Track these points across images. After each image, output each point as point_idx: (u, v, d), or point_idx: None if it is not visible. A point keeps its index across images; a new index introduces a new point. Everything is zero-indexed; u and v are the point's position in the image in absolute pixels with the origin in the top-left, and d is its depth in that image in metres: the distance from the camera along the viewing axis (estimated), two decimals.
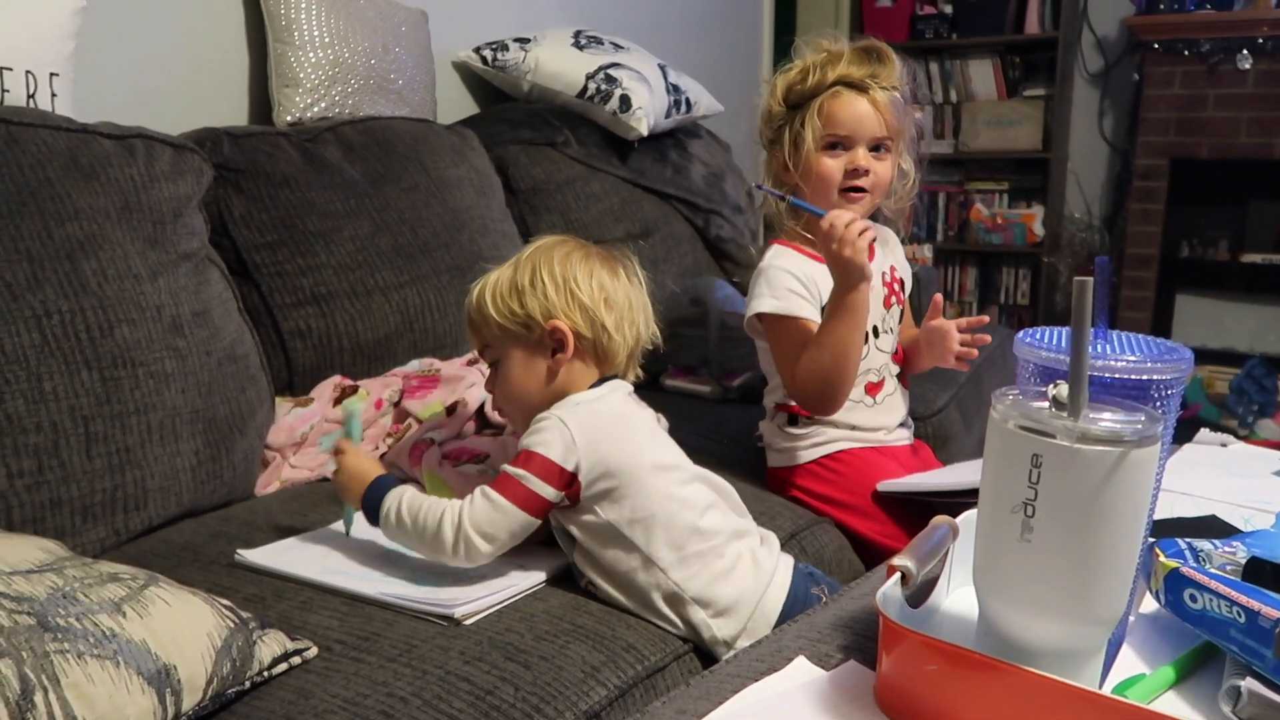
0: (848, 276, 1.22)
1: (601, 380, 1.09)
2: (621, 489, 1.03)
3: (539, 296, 1.07)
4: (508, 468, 1.02)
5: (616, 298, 1.08)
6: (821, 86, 1.32)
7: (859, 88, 1.31)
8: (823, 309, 1.34)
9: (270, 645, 0.86)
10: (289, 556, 1.08)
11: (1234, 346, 3.42)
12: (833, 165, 1.32)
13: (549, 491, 1.01)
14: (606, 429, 1.04)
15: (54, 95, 1.36)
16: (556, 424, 1.02)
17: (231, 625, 0.83)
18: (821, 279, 1.34)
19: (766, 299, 1.33)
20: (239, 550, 1.09)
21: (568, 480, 1.01)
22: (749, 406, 1.68)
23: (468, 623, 0.96)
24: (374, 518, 1.04)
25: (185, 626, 0.79)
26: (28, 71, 1.32)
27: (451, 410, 1.38)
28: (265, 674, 0.85)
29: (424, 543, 1.01)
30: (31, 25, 1.34)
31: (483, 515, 0.99)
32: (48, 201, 1.17)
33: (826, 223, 1.20)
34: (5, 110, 1.24)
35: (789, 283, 1.32)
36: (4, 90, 1.29)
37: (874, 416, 1.41)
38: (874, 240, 1.45)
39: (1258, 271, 3.37)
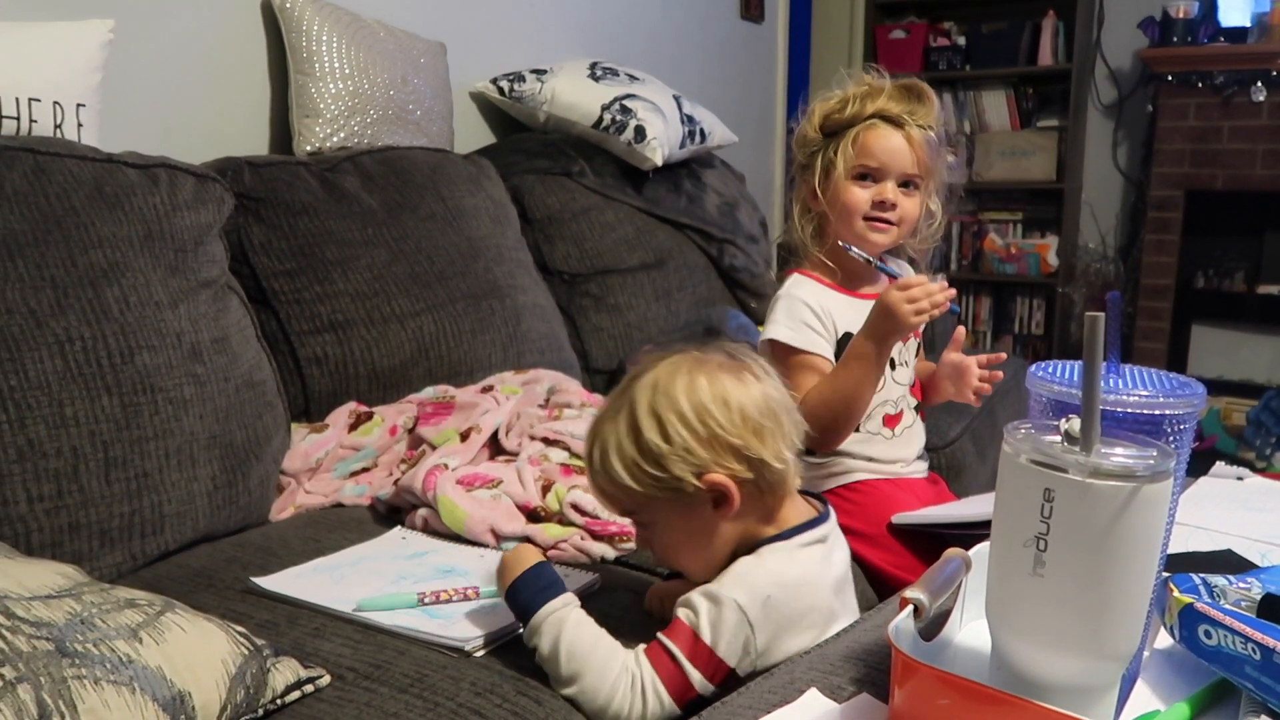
0: (891, 330, 1.22)
1: (806, 525, 0.95)
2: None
3: (681, 454, 0.89)
4: (688, 666, 0.87)
5: (761, 418, 0.91)
6: (859, 117, 1.32)
7: (895, 122, 1.32)
8: (839, 342, 1.35)
9: (284, 673, 0.86)
10: (302, 583, 1.09)
11: (1251, 378, 3.40)
12: (860, 195, 1.33)
13: (709, 690, 0.88)
14: (792, 633, 0.90)
15: (80, 125, 1.38)
16: (743, 626, 0.88)
17: (246, 652, 0.84)
18: (838, 311, 1.34)
19: (781, 326, 1.34)
20: (252, 577, 1.09)
21: (726, 675, 0.89)
22: None
23: (479, 654, 0.96)
24: (518, 611, 0.92)
25: (200, 653, 0.80)
26: (55, 102, 1.35)
27: (465, 437, 1.39)
28: (278, 701, 0.85)
29: (579, 687, 0.88)
30: (60, 57, 1.37)
31: (651, 717, 0.87)
32: (73, 230, 1.19)
33: (914, 280, 1.21)
34: (33, 140, 1.27)
35: (804, 314, 1.33)
36: (32, 120, 1.32)
37: (892, 449, 1.41)
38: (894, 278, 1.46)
39: (1274, 303, 3.35)
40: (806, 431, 1.31)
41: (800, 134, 1.39)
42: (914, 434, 1.44)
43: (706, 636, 0.88)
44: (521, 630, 0.92)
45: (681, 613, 0.90)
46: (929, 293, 1.20)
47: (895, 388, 1.39)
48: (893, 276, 1.26)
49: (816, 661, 0.73)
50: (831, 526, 0.98)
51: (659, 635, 0.90)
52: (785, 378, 1.33)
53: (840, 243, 1.31)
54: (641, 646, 0.90)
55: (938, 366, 1.41)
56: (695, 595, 0.90)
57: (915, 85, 1.33)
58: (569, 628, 0.89)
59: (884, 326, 1.23)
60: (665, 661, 0.88)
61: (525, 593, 0.91)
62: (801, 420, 0.96)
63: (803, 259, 1.41)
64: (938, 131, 1.34)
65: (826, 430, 1.31)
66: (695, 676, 0.87)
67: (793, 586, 0.91)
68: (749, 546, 0.94)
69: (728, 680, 0.89)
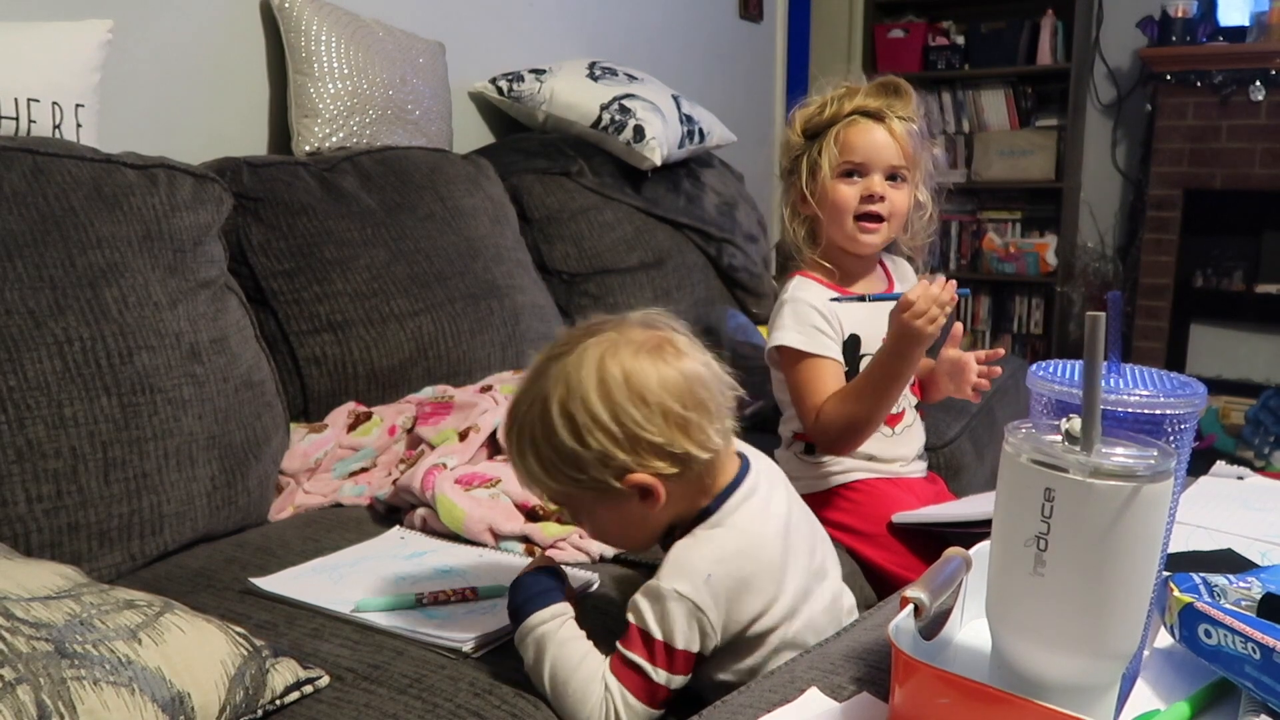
0: (913, 345, 1.21)
1: (735, 483, 0.92)
2: (737, 651, 0.92)
3: (599, 458, 0.85)
4: (649, 669, 0.86)
5: (685, 410, 0.86)
6: (839, 116, 1.33)
7: (875, 116, 1.32)
8: (844, 344, 1.34)
9: (283, 673, 0.86)
10: (300, 584, 1.08)
11: (1249, 377, 3.40)
12: (848, 192, 1.33)
13: (683, 682, 0.89)
14: (744, 596, 0.89)
15: (79, 126, 1.38)
16: (691, 612, 0.86)
17: (245, 653, 0.83)
18: (842, 311, 1.34)
19: (791, 333, 1.33)
20: (251, 578, 1.09)
21: (693, 661, 0.89)
22: (760, 435, 1.68)
23: (477, 655, 0.96)
24: (510, 612, 0.92)
25: (199, 654, 0.79)
26: (54, 103, 1.35)
27: (464, 436, 1.39)
28: (277, 702, 0.85)
29: (559, 706, 0.88)
30: (59, 57, 1.37)
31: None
32: (71, 230, 1.19)
33: (915, 294, 1.19)
34: (32, 141, 1.26)
35: (813, 318, 1.33)
36: (31, 121, 1.32)
37: (892, 447, 1.41)
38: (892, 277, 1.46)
39: (1273, 302, 3.35)
40: (818, 435, 1.30)
41: (784, 140, 1.40)
42: (914, 433, 1.44)
43: (658, 634, 0.86)
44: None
45: (630, 617, 0.89)
46: (933, 298, 1.19)
47: None
48: (893, 299, 1.24)
49: (817, 660, 0.73)
50: (758, 474, 0.94)
51: (617, 645, 0.89)
52: (796, 384, 1.34)
53: (834, 298, 1.30)
54: (608, 663, 0.89)
55: (936, 363, 1.41)
56: (638, 596, 0.89)
57: (891, 80, 1.34)
58: (553, 647, 0.88)
59: (905, 345, 1.22)
60: (627, 673, 0.87)
61: (519, 596, 0.91)
62: (734, 387, 0.91)
63: (799, 262, 1.41)
64: (919, 124, 1.34)
65: (842, 439, 1.32)
66: (660, 676, 0.87)
67: (732, 558, 0.88)
68: (685, 524, 0.92)
69: (696, 662, 0.89)
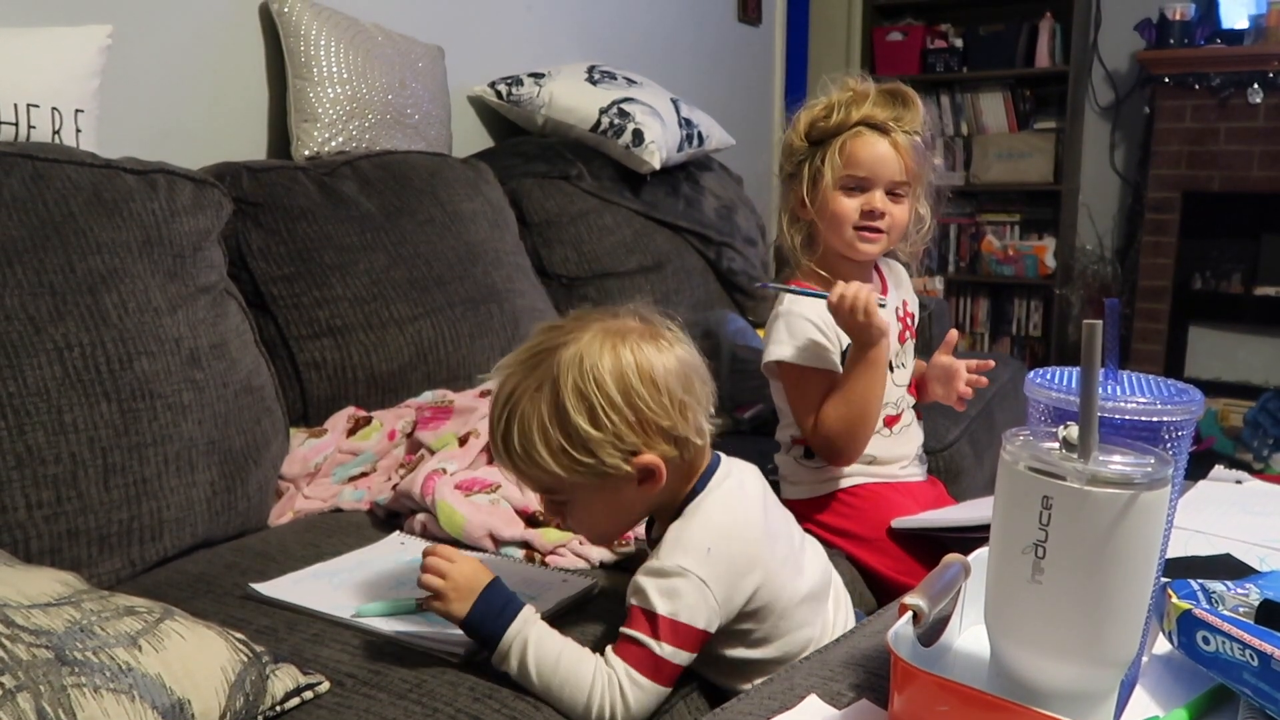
0: (867, 337, 1.25)
1: (710, 470, 0.96)
2: (755, 633, 0.95)
3: (611, 439, 0.87)
4: (653, 643, 0.88)
5: (685, 394, 0.90)
6: (844, 125, 1.31)
7: (881, 129, 1.31)
8: (843, 354, 1.35)
9: (283, 679, 0.86)
10: (301, 590, 1.09)
11: (1248, 380, 3.40)
12: (849, 205, 1.32)
13: (690, 659, 0.91)
14: (744, 571, 0.92)
15: (79, 131, 1.38)
16: (697, 587, 0.89)
17: (245, 659, 0.83)
18: None
19: (787, 346, 1.33)
20: (251, 583, 1.09)
21: (706, 640, 0.92)
22: (760, 439, 1.68)
23: (477, 659, 0.96)
24: (477, 635, 0.92)
25: (200, 660, 0.80)
26: (54, 108, 1.35)
27: (464, 441, 1.39)
28: (278, 708, 0.85)
29: (559, 704, 0.89)
30: (58, 63, 1.37)
31: (636, 706, 0.88)
32: (71, 236, 1.19)
33: (836, 295, 1.23)
34: (31, 146, 1.26)
35: (808, 330, 1.32)
36: (30, 126, 1.32)
37: (891, 447, 1.41)
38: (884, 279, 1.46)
39: (1271, 305, 3.35)
40: (821, 445, 1.32)
41: (786, 143, 1.39)
42: (912, 432, 1.45)
43: (664, 610, 0.88)
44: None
45: (634, 600, 0.91)
46: (848, 299, 1.23)
47: (894, 389, 1.39)
48: (820, 297, 1.28)
49: (816, 668, 0.74)
50: (730, 462, 1.00)
51: (621, 629, 0.91)
52: (795, 397, 1.34)
53: (758, 284, 1.34)
54: (610, 646, 0.91)
55: (928, 368, 1.42)
56: (639, 577, 0.91)
57: (900, 90, 1.32)
58: (531, 648, 0.89)
59: (861, 340, 1.26)
60: (632, 650, 0.89)
61: (484, 624, 0.91)
62: (712, 381, 0.95)
63: (794, 268, 1.41)
64: (924, 135, 1.33)
65: (846, 443, 1.32)
66: (665, 650, 0.88)
67: (727, 530, 0.93)
68: (673, 510, 0.95)
69: (705, 642, 0.91)
